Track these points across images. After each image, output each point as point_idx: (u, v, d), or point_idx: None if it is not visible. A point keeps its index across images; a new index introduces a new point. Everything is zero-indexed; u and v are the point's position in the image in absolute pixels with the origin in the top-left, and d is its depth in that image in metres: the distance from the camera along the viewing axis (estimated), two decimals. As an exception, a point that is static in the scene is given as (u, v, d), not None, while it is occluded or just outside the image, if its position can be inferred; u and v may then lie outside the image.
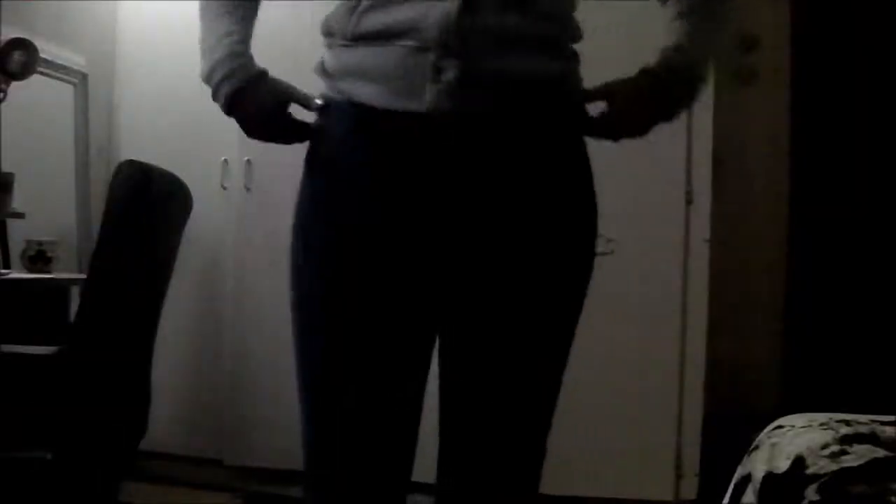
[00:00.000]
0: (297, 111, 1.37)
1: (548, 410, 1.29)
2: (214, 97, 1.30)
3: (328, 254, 1.24)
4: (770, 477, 1.30)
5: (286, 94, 1.29)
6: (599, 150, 2.25)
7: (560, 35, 1.21)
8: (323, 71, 1.26)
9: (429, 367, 1.29)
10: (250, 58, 1.28)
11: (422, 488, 3.12)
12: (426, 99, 1.12)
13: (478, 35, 1.11)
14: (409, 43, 1.13)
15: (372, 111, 1.17)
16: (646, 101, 1.30)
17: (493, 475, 1.27)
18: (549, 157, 1.20)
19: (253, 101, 1.27)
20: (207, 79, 1.29)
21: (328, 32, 1.25)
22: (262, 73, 1.27)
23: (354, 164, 1.20)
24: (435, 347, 1.28)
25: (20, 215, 2.86)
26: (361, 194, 1.19)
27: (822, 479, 1.21)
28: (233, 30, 1.25)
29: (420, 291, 1.21)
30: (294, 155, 3.66)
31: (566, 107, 1.22)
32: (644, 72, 1.29)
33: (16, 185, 2.82)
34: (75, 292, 2.93)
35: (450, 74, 1.11)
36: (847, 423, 1.37)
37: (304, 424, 1.34)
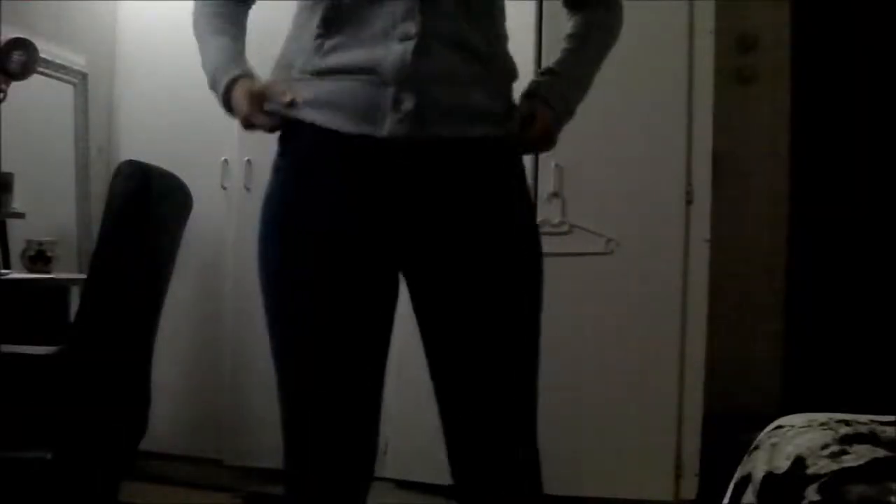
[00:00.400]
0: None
1: (528, 396, 1.41)
2: (221, 101, 1.45)
3: (289, 257, 1.37)
4: (770, 477, 1.30)
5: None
6: (600, 151, 2.27)
7: (498, 75, 1.40)
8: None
9: (383, 366, 1.42)
10: (246, 63, 1.46)
11: (428, 488, 3.13)
12: (385, 125, 1.30)
13: (429, 73, 1.30)
14: (370, 78, 1.30)
15: (334, 134, 1.32)
16: (547, 128, 1.45)
17: (496, 457, 1.39)
18: (489, 172, 1.38)
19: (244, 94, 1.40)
20: (212, 85, 1.47)
21: (288, 65, 1.40)
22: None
23: (319, 179, 1.35)
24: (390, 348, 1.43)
25: (20, 215, 2.87)
26: (323, 205, 1.35)
27: (822, 479, 1.21)
28: (229, 44, 1.48)
29: (372, 294, 1.37)
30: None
31: (501, 131, 1.39)
32: (532, 96, 1.46)
33: (16, 185, 2.82)
34: (75, 292, 2.93)
35: (407, 105, 1.29)
36: (847, 423, 1.37)
37: (282, 423, 1.42)
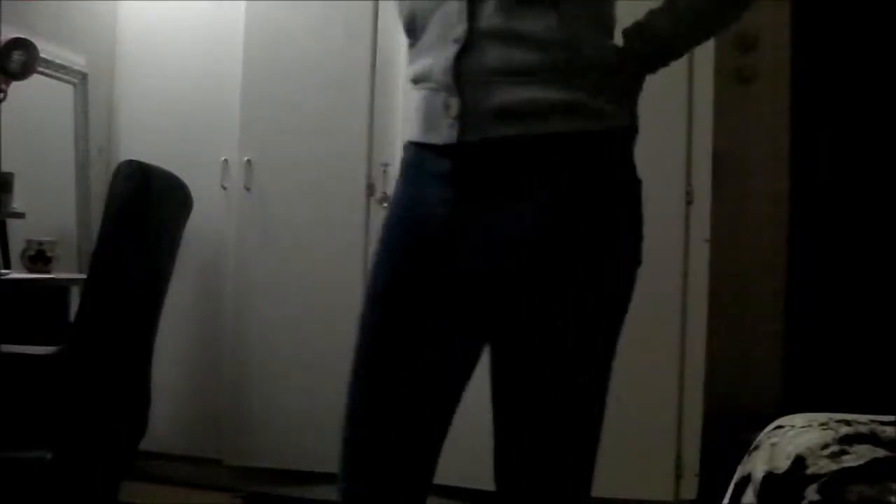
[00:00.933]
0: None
1: (595, 422, 1.38)
2: None
3: (378, 261, 1.35)
4: (770, 477, 1.30)
5: None
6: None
7: (562, 62, 1.25)
8: None
9: (467, 380, 1.35)
10: None
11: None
12: (442, 133, 1.26)
13: (477, 72, 1.23)
14: (430, 86, 1.28)
15: (413, 146, 1.34)
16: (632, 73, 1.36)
17: (545, 484, 1.35)
18: (570, 173, 1.27)
19: None
20: None
21: None
22: None
23: (406, 188, 1.35)
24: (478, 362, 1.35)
25: (20, 215, 2.86)
26: (406, 216, 1.33)
27: (822, 479, 1.21)
28: None
29: (442, 297, 1.30)
30: (293, 155, 3.67)
31: (588, 125, 1.27)
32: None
33: (16, 185, 2.82)
34: (75, 292, 2.93)
35: (453, 109, 1.24)
36: (847, 423, 1.37)
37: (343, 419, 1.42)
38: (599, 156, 1.31)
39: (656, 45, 1.32)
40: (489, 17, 1.23)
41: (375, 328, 1.32)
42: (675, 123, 2.67)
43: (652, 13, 1.31)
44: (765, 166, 3.39)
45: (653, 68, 1.37)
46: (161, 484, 3.17)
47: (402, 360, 1.30)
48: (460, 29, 1.24)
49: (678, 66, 2.83)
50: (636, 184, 1.42)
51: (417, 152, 1.33)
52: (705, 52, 2.84)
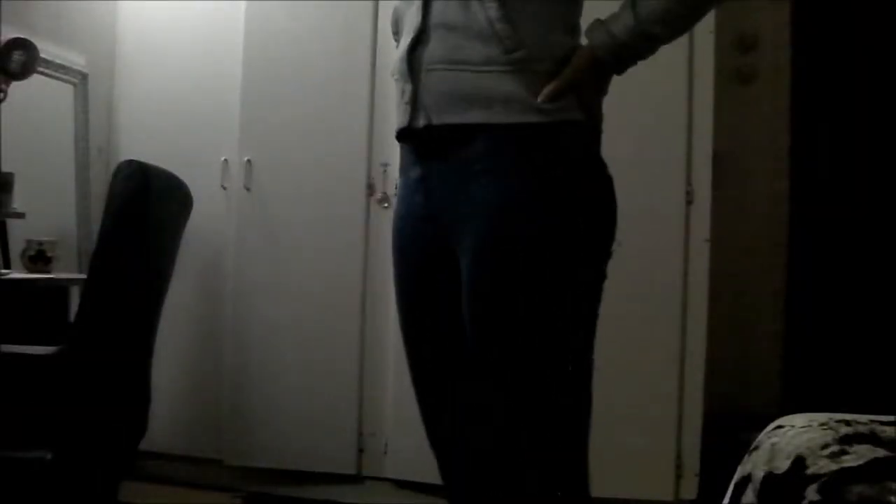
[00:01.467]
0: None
1: (536, 377, 1.39)
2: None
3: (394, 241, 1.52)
4: (770, 477, 1.30)
5: None
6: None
7: (505, 54, 1.31)
8: None
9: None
10: None
11: (428, 488, 3.12)
12: (400, 118, 1.39)
13: (427, 60, 1.35)
14: (395, 77, 1.42)
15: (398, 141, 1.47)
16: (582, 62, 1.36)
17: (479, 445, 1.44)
18: (490, 162, 1.33)
19: None
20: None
21: None
22: None
23: (400, 187, 1.52)
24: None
25: (20, 215, 2.86)
26: (399, 196, 1.52)
27: (822, 479, 1.21)
28: None
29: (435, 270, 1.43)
30: (293, 155, 3.67)
31: (522, 118, 1.32)
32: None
33: (16, 185, 2.82)
34: (75, 292, 2.93)
35: (406, 95, 1.37)
36: (847, 423, 1.37)
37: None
38: (540, 148, 1.32)
39: (617, 41, 1.33)
40: (440, 11, 1.34)
41: (404, 314, 1.50)
42: (675, 123, 2.67)
43: (617, 12, 1.34)
44: (765, 166, 3.39)
45: (617, 67, 1.38)
46: (161, 484, 3.17)
47: (423, 335, 1.47)
48: (416, 21, 1.35)
49: (678, 66, 2.84)
50: (593, 179, 1.39)
51: (400, 147, 1.47)
52: (705, 52, 2.84)
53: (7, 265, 2.91)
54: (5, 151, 2.87)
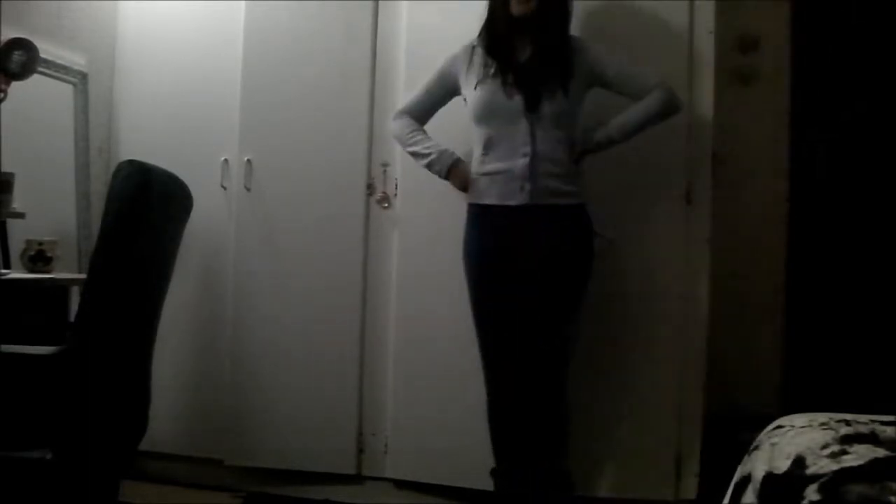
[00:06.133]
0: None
1: (562, 335, 2.53)
2: (444, 172, 2.69)
3: (471, 276, 2.65)
4: (770, 477, 1.30)
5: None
6: (601, 152, 2.20)
7: (562, 167, 2.55)
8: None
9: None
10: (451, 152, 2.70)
11: (428, 488, 3.11)
12: (517, 199, 2.52)
13: (538, 172, 2.51)
14: (506, 176, 2.54)
15: (489, 206, 2.58)
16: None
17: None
18: (562, 221, 2.56)
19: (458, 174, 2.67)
20: (437, 158, 2.68)
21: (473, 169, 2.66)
22: (460, 159, 2.69)
23: (480, 227, 2.61)
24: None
25: (20, 215, 2.86)
26: (482, 245, 2.61)
27: (822, 479, 1.21)
28: (431, 142, 2.72)
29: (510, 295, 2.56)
30: (293, 155, 3.66)
31: (571, 200, 2.57)
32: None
33: (16, 185, 2.82)
34: (75, 292, 2.93)
35: (526, 189, 2.51)
36: (847, 423, 1.37)
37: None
38: (573, 216, 2.56)
39: (602, 145, 2.59)
40: (542, 143, 2.51)
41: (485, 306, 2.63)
42: (675, 123, 2.66)
43: (608, 123, 2.55)
44: (765, 166, 3.39)
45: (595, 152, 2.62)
46: (161, 484, 3.17)
47: (500, 324, 2.58)
48: (528, 148, 2.51)
49: (678, 67, 2.84)
50: (590, 232, 2.57)
51: (486, 208, 2.57)
52: (705, 53, 2.84)
53: (7, 265, 2.91)
54: (5, 151, 2.87)
